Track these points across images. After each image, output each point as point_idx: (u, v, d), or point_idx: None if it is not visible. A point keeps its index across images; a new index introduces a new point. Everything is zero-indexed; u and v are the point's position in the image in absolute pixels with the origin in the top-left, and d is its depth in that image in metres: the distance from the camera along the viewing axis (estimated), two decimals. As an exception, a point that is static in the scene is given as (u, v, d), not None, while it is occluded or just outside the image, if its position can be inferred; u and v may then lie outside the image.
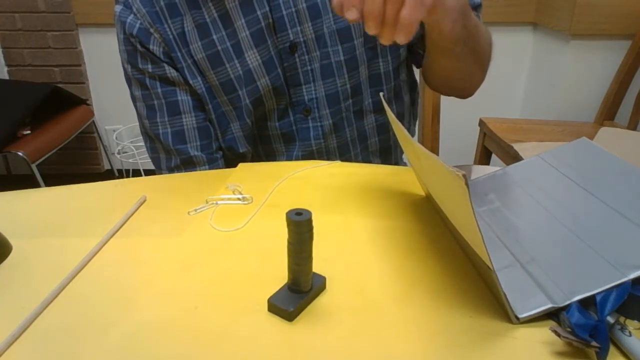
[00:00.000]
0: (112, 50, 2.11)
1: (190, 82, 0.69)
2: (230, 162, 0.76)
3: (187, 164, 0.73)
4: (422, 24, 0.72)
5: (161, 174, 0.75)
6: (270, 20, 0.67)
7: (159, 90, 0.70)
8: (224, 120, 0.72)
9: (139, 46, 0.68)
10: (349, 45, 0.70)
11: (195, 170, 0.73)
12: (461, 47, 0.65)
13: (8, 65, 2.15)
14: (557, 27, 1.79)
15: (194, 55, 0.68)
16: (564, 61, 1.78)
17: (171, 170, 0.74)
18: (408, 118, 0.86)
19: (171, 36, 0.67)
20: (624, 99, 1.65)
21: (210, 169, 0.73)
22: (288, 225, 0.38)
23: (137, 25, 0.67)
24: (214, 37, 0.67)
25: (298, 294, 0.40)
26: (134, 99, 0.73)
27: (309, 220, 0.37)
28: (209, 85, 0.70)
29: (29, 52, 2.13)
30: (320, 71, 0.71)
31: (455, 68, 0.73)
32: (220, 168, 0.74)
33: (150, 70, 0.69)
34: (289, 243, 0.39)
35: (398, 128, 0.48)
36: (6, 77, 2.16)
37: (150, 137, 0.74)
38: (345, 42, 0.70)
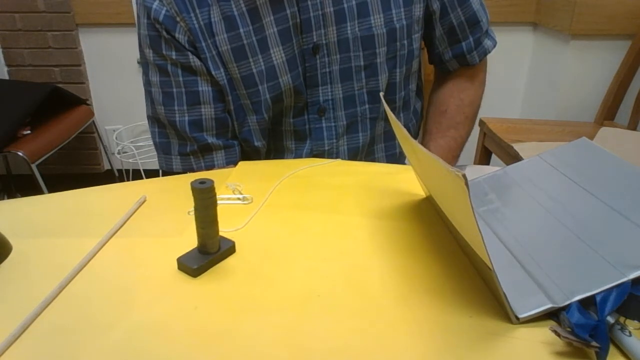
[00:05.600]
0: (112, 50, 2.13)
1: (213, 72, 0.69)
2: (246, 154, 0.78)
3: (204, 150, 0.73)
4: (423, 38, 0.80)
5: (169, 160, 0.75)
6: (298, 20, 0.68)
7: (181, 78, 0.70)
8: (242, 112, 0.73)
9: (164, 33, 0.68)
10: (370, 52, 0.71)
11: (212, 157, 0.74)
12: None
13: (8, 65, 2.15)
14: (557, 27, 1.79)
15: (219, 47, 0.68)
16: (564, 61, 1.78)
17: (185, 155, 0.74)
18: (415, 128, 0.87)
19: (197, 26, 0.67)
20: (624, 99, 1.65)
21: (226, 155, 0.74)
22: (193, 193, 0.43)
23: (163, 12, 0.67)
24: (241, 30, 0.67)
25: (206, 255, 0.45)
26: (149, 83, 0.73)
27: (212, 187, 0.43)
28: (230, 77, 0.70)
29: (29, 52, 2.13)
30: (339, 74, 0.72)
31: None
32: (236, 155, 0.75)
33: (173, 57, 0.69)
34: (195, 209, 0.44)
35: (398, 127, 0.48)
36: (6, 77, 2.16)
37: (162, 123, 0.73)
38: (367, 49, 0.71)
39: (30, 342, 0.37)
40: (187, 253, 0.46)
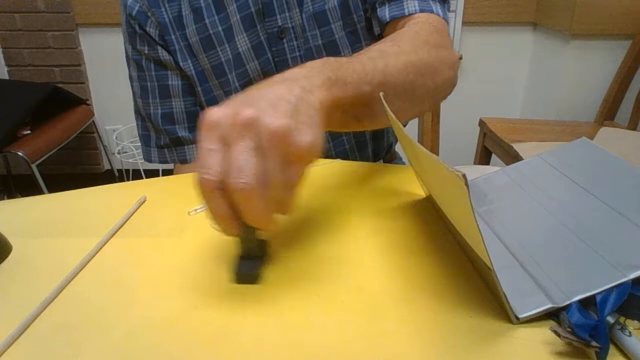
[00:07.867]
0: (112, 50, 2.13)
1: (182, 64, 0.71)
2: None
3: (176, 144, 0.76)
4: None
5: (149, 152, 0.78)
6: (260, 5, 0.68)
7: (153, 72, 0.72)
8: (215, 103, 0.73)
9: (137, 28, 0.70)
10: (326, 29, 0.71)
11: (184, 150, 0.76)
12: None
13: (8, 65, 2.15)
14: (557, 27, 1.79)
15: (188, 39, 0.70)
16: (564, 61, 1.79)
17: (161, 148, 0.77)
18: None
19: (167, 19, 0.69)
20: (624, 99, 1.65)
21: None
22: None
23: (137, 7, 0.70)
24: (207, 21, 0.69)
25: (254, 259, 0.44)
26: (130, 78, 0.76)
27: None
28: (200, 69, 0.72)
29: (29, 52, 2.13)
30: (304, 56, 0.72)
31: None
32: None
33: (146, 51, 0.71)
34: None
35: (397, 128, 0.48)
36: (6, 77, 2.16)
37: (142, 116, 0.77)
38: (322, 26, 0.70)
39: (31, 342, 0.37)
40: (239, 264, 0.43)
